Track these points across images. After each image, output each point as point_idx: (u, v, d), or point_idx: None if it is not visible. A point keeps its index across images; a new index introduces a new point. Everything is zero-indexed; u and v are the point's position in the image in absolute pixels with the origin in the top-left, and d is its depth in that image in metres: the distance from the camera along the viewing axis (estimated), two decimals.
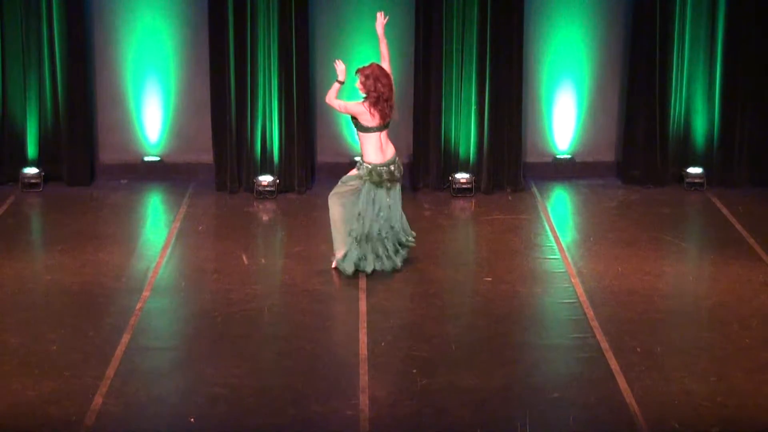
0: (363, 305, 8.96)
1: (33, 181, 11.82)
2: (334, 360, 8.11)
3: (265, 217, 11.37)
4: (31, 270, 9.78)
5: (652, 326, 8.63)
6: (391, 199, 9.37)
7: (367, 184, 9.30)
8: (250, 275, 9.62)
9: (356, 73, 9.29)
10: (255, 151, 11.81)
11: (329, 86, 9.42)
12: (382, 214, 9.36)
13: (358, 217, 9.36)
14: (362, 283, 9.35)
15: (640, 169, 12.07)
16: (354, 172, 9.43)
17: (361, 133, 9.31)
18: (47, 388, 7.58)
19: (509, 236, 10.59)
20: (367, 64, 9.37)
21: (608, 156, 12.40)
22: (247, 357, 8.08)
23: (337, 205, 9.46)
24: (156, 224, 11.08)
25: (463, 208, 11.55)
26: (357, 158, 9.50)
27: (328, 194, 9.56)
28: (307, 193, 11.86)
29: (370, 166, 9.27)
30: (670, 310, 8.98)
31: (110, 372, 7.79)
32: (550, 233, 10.65)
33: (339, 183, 9.52)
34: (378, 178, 9.27)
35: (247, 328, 8.60)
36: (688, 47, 11.85)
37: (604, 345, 8.26)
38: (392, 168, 9.32)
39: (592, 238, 10.55)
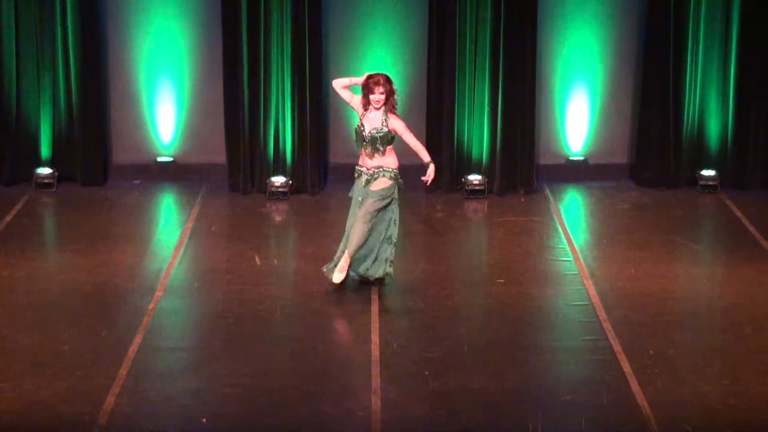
0: (375, 306, 8.95)
1: (47, 181, 11.85)
2: (346, 361, 8.11)
3: (277, 218, 11.38)
4: (45, 270, 9.81)
5: (664, 329, 8.61)
6: None
7: (397, 190, 9.16)
8: (262, 276, 9.63)
9: (378, 84, 8.89)
10: (268, 152, 11.82)
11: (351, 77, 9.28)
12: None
13: (393, 223, 9.22)
14: (374, 284, 9.34)
15: (654, 171, 12.04)
16: (386, 184, 9.04)
17: (390, 147, 9.09)
18: (60, 387, 7.59)
19: (522, 238, 10.58)
20: (372, 76, 8.99)
21: (621, 158, 12.37)
22: (259, 358, 8.09)
23: (368, 224, 9.08)
24: (169, 224, 11.09)
25: (475, 209, 11.54)
26: (380, 169, 9.08)
27: (362, 213, 9.03)
28: (320, 194, 11.86)
29: (397, 171, 9.14)
30: (683, 312, 8.95)
31: (123, 372, 7.81)
32: (562, 235, 10.64)
33: (371, 199, 9.04)
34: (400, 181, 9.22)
35: (259, 328, 8.60)
36: (702, 49, 11.82)
37: (617, 347, 8.25)
38: None
39: (605, 240, 10.53)
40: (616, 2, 12.04)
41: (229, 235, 10.78)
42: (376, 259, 9.21)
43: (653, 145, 12.01)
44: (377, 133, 8.99)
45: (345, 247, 9.20)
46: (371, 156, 9.06)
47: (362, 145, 9.07)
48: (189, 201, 11.59)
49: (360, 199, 9.14)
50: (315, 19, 11.59)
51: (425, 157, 9.11)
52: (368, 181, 9.08)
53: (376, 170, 9.06)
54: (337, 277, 9.21)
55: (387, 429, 7.17)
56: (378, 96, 8.94)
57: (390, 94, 8.97)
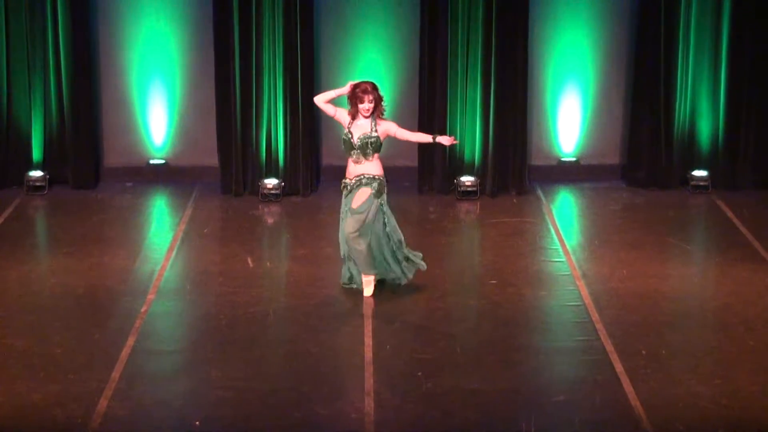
0: (368, 308, 8.95)
1: (38, 184, 11.84)
2: (340, 363, 8.11)
3: (270, 220, 11.38)
4: (37, 273, 9.79)
5: (657, 329, 8.62)
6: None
7: (382, 197, 9.01)
8: (255, 278, 9.62)
9: (366, 92, 8.76)
10: (260, 154, 11.82)
11: (334, 88, 9.18)
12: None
13: (396, 230, 9.10)
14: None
15: (645, 171, 12.07)
16: (364, 197, 8.89)
17: (377, 154, 8.96)
18: (52, 390, 7.58)
19: (514, 239, 10.59)
20: (358, 84, 8.83)
21: (613, 159, 12.39)
22: (252, 360, 8.08)
23: (363, 242, 8.94)
24: (161, 227, 11.08)
25: (468, 211, 11.55)
26: (363, 177, 8.93)
27: (348, 232, 8.88)
28: (312, 195, 11.87)
29: (382, 178, 9.04)
30: (675, 312, 8.97)
31: (115, 375, 7.80)
32: (555, 236, 10.65)
33: (352, 217, 8.89)
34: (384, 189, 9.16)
35: (252, 331, 8.60)
36: (693, 50, 11.85)
37: (609, 347, 8.26)
38: None
39: (596, 241, 10.54)
40: (607, 3, 12.07)
41: (221, 238, 10.77)
42: (398, 262, 9.11)
43: (645, 145, 12.03)
44: (366, 138, 8.86)
45: (351, 264, 9.10)
46: (357, 161, 8.91)
47: (350, 153, 8.92)
48: (181, 203, 11.58)
49: (345, 212, 9.01)
50: (307, 21, 11.59)
51: (428, 138, 9.03)
52: (350, 192, 8.94)
53: (357, 179, 8.93)
54: (367, 291, 9.10)
55: (380, 430, 7.17)
56: (367, 105, 8.80)
57: (378, 101, 8.84)
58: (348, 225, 8.96)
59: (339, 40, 11.96)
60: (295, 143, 11.77)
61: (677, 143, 12.05)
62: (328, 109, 8.98)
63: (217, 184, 11.94)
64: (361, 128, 8.89)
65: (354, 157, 8.94)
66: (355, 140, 8.88)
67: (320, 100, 9.00)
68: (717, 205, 11.60)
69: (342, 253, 9.21)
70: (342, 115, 8.95)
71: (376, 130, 8.88)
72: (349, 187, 8.99)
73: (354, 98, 8.85)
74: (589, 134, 12.33)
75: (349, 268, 9.26)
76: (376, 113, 8.87)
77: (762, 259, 10.04)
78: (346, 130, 8.92)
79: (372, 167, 8.94)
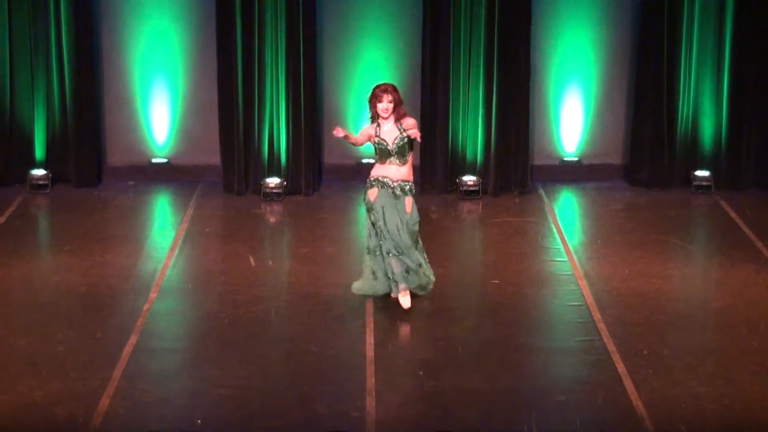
0: (369, 307, 8.95)
1: (41, 182, 11.84)
2: (341, 362, 8.11)
3: (272, 219, 11.38)
4: (39, 271, 9.80)
5: (659, 329, 8.62)
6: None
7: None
8: (256, 277, 9.63)
9: (386, 92, 8.67)
10: (262, 152, 11.82)
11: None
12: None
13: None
14: None
15: (648, 171, 12.06)
16: (411, 203, 8.83)
17: (411, 153, 8.88)
18: (54, 389, 7.59)
19: (516, 239, 10.59)
20: (379, 87, 8.76)
21: (615, 158, 12.39)
22: (253, 359, 8.09)
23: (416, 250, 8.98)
24: (163, 226, 11.09)
25: (470, 210, 11.54)
26: (406, 184, 8.84)
27: (407, 245, 8.80)
28: (314, 195, 11.86)
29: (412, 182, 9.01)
30: (677, 312, 8.97)
31: (117, 373, 7.80)
32: (557, 236, 10.65)
33: (410, 230, 8.85)
34: None
35: (254, 329, 8.60)
36: (696, 49, 11.84)
37: (611, 347, 8.26)
38: None
39: (599, 241, 10.54)
40: (610, 2, 12.06)
41: (223, 237, 10.78)
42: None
43: (647, 145, 12.02)
44: (401, 141, 8.74)
45: (382, 264, 8.92)
46: (400, 165, 8.79)
47: (388, 160, 8.77)
48: (183, 202, 11.58)
49: (388, 207, 8.78)
50: (309, 20, 11.59)
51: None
52: (396, 196, 8.80)
53: (399, 185, 8.82)
54: (406, 302, 8.91)
55: (381, 429, 7.17)
56: (386, 104, 8.67)
57: (398, 103, 8.71)
58: (406, 238, 8.82)
59: (341, 39, 11.96)
60: (297, 142, 11.77)
61: (680, 143, 12.05)
62: (354, 137, 8.87)
63: (219, 182, 11.95)
64: (390, 133, 8.76)
65: (395, 162, 8.78)
66: (392, 146, 8.74)
67: (352, 141, 8.91)
68: (720, 205, 11.59)
69: (368, 249, 8.98)
70: (365, 130, 8.85)
71: (404, 131, 8.75)
72: (391, 189, 8.81)
73: (373, 98, 8.75)
74: (591, 134, 12.32)
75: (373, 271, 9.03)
76: (396, 115, 8.75)
77: (765, 260, 10.04)
78: (377, 139, 8.76)
79: (408, 172, 8.85)
